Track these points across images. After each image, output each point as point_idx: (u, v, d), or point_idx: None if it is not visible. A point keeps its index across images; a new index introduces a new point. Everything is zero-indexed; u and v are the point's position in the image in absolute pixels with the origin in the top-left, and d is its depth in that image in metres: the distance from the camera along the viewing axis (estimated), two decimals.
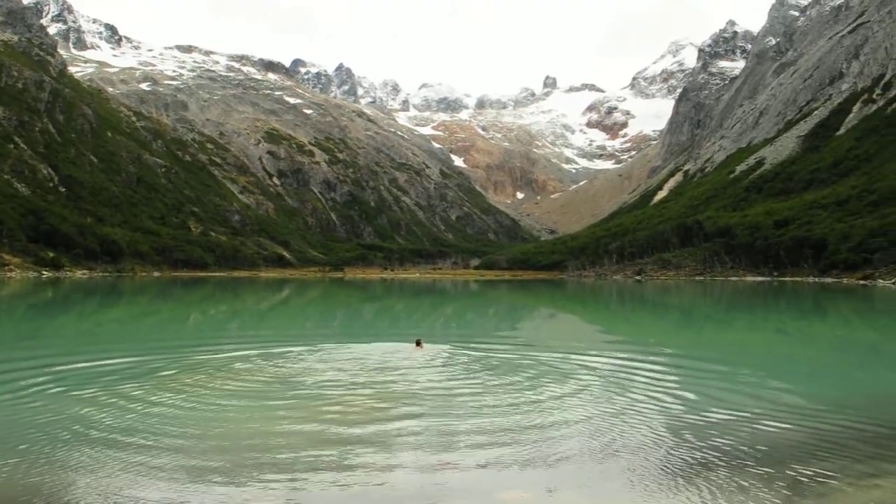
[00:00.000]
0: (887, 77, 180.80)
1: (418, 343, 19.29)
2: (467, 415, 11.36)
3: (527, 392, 13.26)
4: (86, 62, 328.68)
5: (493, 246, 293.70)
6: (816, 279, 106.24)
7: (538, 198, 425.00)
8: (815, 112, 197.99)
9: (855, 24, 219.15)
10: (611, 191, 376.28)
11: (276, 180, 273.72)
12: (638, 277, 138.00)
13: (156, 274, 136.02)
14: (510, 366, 16.58)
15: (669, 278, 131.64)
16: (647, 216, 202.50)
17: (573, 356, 18.39)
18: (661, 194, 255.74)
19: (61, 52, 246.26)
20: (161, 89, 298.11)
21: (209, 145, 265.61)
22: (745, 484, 8.20)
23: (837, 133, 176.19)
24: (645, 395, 13.09)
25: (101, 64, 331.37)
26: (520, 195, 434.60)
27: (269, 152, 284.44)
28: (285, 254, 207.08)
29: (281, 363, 16.74)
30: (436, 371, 15.71)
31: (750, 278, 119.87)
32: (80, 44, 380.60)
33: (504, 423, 10.76)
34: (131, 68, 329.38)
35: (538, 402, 12.38)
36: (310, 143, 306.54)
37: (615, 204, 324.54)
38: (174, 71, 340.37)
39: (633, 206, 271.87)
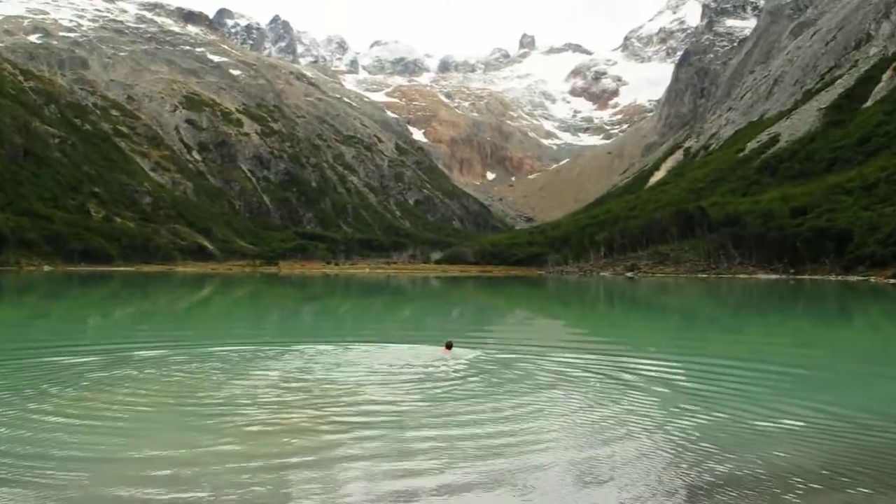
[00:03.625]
0: None
1: (448, 346, 19.69)
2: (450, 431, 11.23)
3: (506, 404, 13.41)
4: None
5: (458, 236, 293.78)
6: (840, 277, 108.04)
7: (512, 179, 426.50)
8: (839, 80, 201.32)
9: None
10: (598, 171, 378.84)
11: (196, 155, 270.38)
12: (630, 274, 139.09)
13: (46, 268, 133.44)
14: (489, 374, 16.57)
15: (667, 275, 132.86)
16: (640, 202, 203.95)
17: (554, 363, 18.55)
18: (658, 175, 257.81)
19: None
20: (55, 43, 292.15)
21: (114, 112, 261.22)
22: None
23: (864, 105, 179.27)
24: (640, 410, 13.12)
25: None
26: (490, 175, 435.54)
27: (187, 121, 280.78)
28: (207, 244, 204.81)
29: (208, 370, 16.34)
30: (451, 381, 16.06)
31: (762, 276, 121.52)
32: None
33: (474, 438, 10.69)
34: (18, 17, 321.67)
35: (518, 416, 12.40)
36: (238, 110, 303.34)
37: (603, 187, 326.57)
38: (71, 21, 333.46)
39: (624, 189, 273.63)
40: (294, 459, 10.14)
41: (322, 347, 21.06)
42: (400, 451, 10.49)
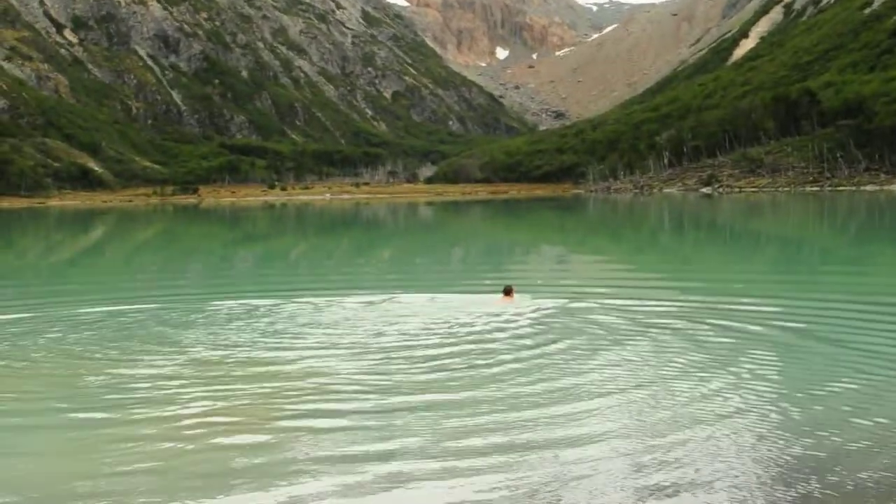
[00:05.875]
0: None
1: (507, 293, 20.42)
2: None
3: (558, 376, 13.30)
4: None
5: (457, 143, 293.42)
6: None
7: (534, 57, 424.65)
8: None
9: None
10: (659, 42, 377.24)
11: (70, 35, 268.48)
12: (707, 189, 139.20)
13: None
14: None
15: (760, 190, 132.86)
16: (721, 85, 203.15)
17: (626, 315, 18.75)
18: (746, 46, 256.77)
19: None
20: None
21: None
22: None
23: None
24: (754, 376, 12.97)
25: None
26: (502, 53, 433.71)
27: None
28: (93, 166, 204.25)
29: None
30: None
31: None
32: None
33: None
34: None
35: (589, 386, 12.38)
36: None
37: (667, 65, 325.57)
38: None
39: (696, 67, 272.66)
40: (238, 480, 9.94)
41: (262, 302, 20.87)
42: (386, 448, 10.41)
